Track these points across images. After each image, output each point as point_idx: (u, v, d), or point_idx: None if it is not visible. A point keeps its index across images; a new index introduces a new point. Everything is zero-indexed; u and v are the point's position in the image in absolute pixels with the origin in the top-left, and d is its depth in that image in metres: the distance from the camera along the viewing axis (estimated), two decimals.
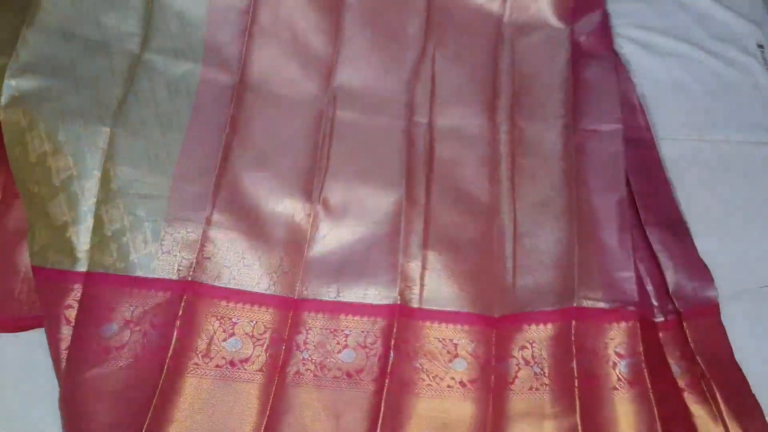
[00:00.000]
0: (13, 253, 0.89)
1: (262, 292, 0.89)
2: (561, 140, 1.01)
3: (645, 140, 1.08)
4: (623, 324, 0.89)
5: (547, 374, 0.87)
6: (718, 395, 0.87)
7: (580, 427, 0.82)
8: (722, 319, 0.92)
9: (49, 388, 0.81)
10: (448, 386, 0.86)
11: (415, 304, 0.90)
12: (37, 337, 0.85)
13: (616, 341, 0.88)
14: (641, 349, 0.87)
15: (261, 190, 0.94)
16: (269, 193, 0.94)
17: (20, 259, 0.89)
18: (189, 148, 0.92)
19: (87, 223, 0.85)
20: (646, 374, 0.85)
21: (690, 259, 0.97)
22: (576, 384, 0.85)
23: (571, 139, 1.01)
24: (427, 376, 0.87)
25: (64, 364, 0.80)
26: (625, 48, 1.18)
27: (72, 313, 0.82)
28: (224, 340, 0.86)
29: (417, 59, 1.07)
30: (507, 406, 0.85)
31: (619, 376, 0.86)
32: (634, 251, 0.96)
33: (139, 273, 0.85)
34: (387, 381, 0.84)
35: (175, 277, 0.86)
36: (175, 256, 0.87)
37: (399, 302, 0.89)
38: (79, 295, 0.83)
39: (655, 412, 0.83)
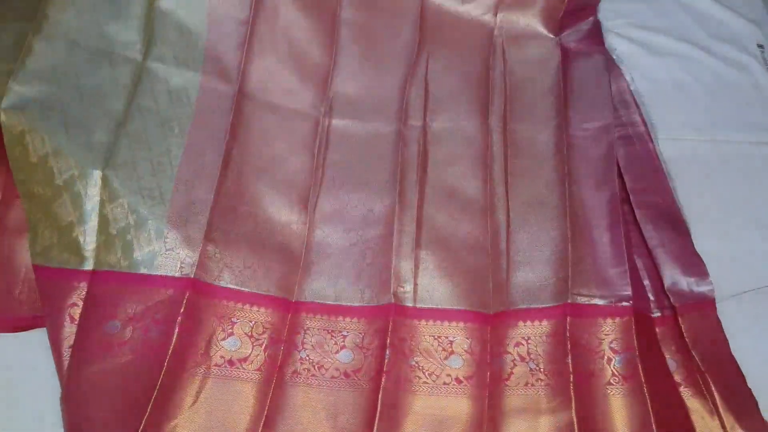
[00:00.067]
0: (13, 253, 0.90)
1: (262, 293, 0.90)
2: (553, 140, 1.03)
3: (640, 136, 1.08)
4: (618, 319, 0.89)
5: (542, 370, 0.87)
6: (713, 389, 0.87)
7: (575, 423, 0.82)
8: (722, 319, 0.92)
9: (49, 388, 0.81)
10: (444, 383, 0.87)
11: (409, 303, 0.91)
12: (37, 337, 0.85)
13: (611, 337, 0.89)
14: (636, 344, 0.87)
15: (259, 196, 0.96)
16: (267, 199, 0.96)
17: (20, 259, 0.89)
18: (190, 153, 0.94)
19: (92, 222, 0.86)
20: (640, 369, 0.85)
21: (686, 255, 0.97)
22: (571, 380, 0.85)
23: (563, 139, 1.02)
24: (423, 373, 0.87)
25: (67, 362, 0.81)
26: (625, 48, 1.18)
27: (77, 312, 0.83)
28: (223, 339, 0.87)
29: (410, 68, 1.09)
30: (503, 402, 0.85)
31: (614, 371, 0.86)
32: (631, 247, 0.97)
33: (143, 270, 0.86)
34: (383, 379, 0.84)
35: (178, 274, 0.87)
36: (178, 253, 0.88)
37: (393, 302, 0.90)
38: (84, 293, 0.84)
39: (649, 406, 0.83)
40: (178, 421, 0.81)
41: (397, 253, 0.94)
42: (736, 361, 0.88)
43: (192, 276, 0.87)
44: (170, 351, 0.82)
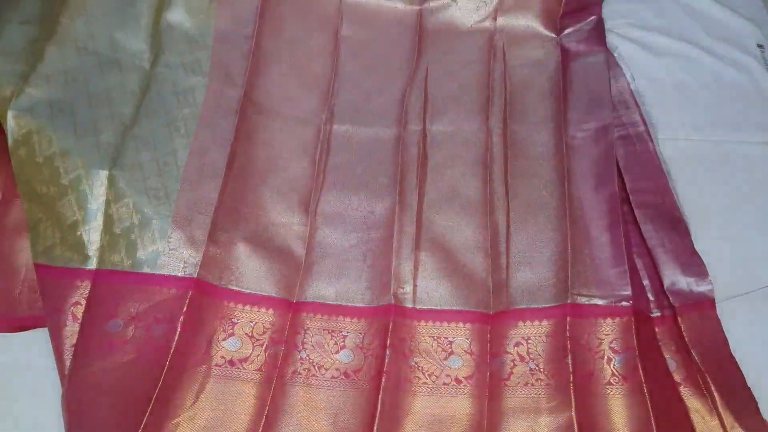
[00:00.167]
0: (13, 253, 0.90)
1: (263, 294, 0.91)
2: (552, 141, 1.04)
3: (640, 135, 1.08)
4: (618, 319, 0.89)
5: (542, 370, 0.87)
6: (713, 389, 0.86)
7: (575, 422, 0.82)
8: (722, 319, 0.92)
9: (49, 388, 0.82)
10: (444, 383, 0.87)
11: (408, 305, 0.91)
12: (37, 337, 0.86)
13: (611, 337, 0.89)
14: (636, 344, 0.87)
15: (262, 198, 0.98)
16: (270, 201, 0.98)
17: (20, 259, 0.90)
18: (196, 153, 0.95)
19: (97, 222, 0.87)
20: (640, 369, 0.85)
21: (685, 255, 0.97)
22: (571, 380, 0.85)
23: (562, 140, 1.03)
24: (423, 374, 0.87)
25: (69, 361, 0.81)
26: (625, 48, 1.18)
27: (80, 311, 0.83)
28: (224, 339, 0.87)
29: (410, 75, 1.11)
30: (503, 402, 0.85)
31: (614, 371, 0.86)
32: (631, 247, 0.97)
33: (146, 270, 0.86)
34: (383, 380, 0.84)
35: (181, 274, 0.87)
36: (182, 253, 0.88)
37: (393, 303, 0.91)
38: (87, 292, 0.84)
39: (649, 406, 0.82)
40: (179, 420, 0.81)
41: (397, 254, 0.95)
42: (736, 361, 0.88)
43: (195, 276, 0.87)
44: (172, 350, 0.82)
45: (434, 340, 0.89)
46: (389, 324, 0.88)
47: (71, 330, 0.82)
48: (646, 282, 0.97)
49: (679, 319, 0.92)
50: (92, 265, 0.86)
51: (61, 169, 0.87)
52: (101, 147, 0.90)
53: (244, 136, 1.00)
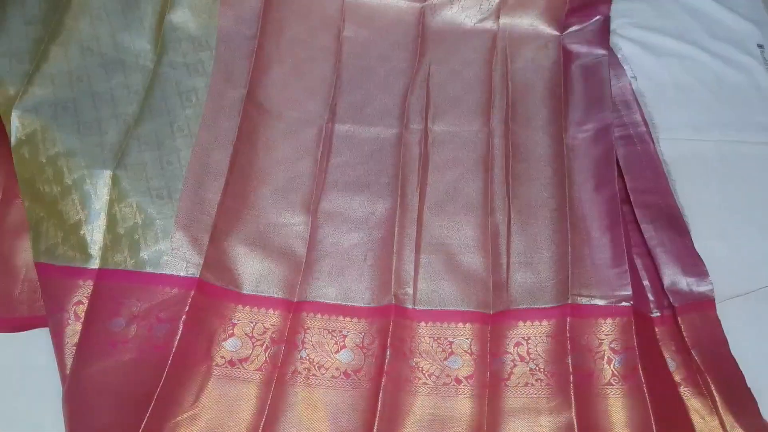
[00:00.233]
0: (13, 253, 0.91)
1: (264, 294, 0.91)
2: (553, 142, 1.04)
3: (641, 136, 1.08)
4: (618, 320, 0.89)
5: (542, 370, 0.87)
6: (713, 389, 0.86)
7: (575, 422, 0.82)
8: (722, 319, 0.92)
9: (49, 388, 0.82)
10: (444, 384, 0.87)
11: (408, 305, 0.92)
12: (37, 337, 0.86)
13: (611, 337, 0.88)
14: (636, 344, 0.86)
15: (263, 198, 0.98)
16: (271, 201, 0.98)
17: (20, 259, 0.90)
18: (199, 152, 0.95)
19: (100, 221, 0.87)
20: (640, 369, 0.85)
21: (685, 255, 0.97)
22: (571, 380, 0.85)
23: (563, 141, 1.03)
24: (423, 374, 0.87)
25: (70, 360, 0.81)
26: (625, 48, 1.18)
27: (82, 310, 0.83)
28: (224, 339, 0.88)
29: (412, 76, 1.11)
30: (503, 402, 0.85)
31: (614, 371, 0.86)
32: (631, 247, 0.97)
33: (149, 269, 0.87)
34: (384, 380, 0.84)
35: (183, 274, 0.87)
36: (184, 253, 0.89)
37: (394, 303, 0.91)
38: (89, 291, 0.84)
39: (649, 406, 0.82)
40: (180, 420, 0.81)
41: (398, 254, 0.95)
42: (735, 361, 0.87)
43: (197, 276, 0.87)
44: (173, 350, 0.83)
45: (434, 340, 0.90)
46: (389, 324, 0.88)
47: (73, 329, 0.83)
48: (646, 282, 0.97)
49: (679, 319, 0.92)
50: (95, 264, 0.86)
51: (64, 169, 0.87)
52: (105, 147, 0.91)
53: (246, 137, 1.00)
